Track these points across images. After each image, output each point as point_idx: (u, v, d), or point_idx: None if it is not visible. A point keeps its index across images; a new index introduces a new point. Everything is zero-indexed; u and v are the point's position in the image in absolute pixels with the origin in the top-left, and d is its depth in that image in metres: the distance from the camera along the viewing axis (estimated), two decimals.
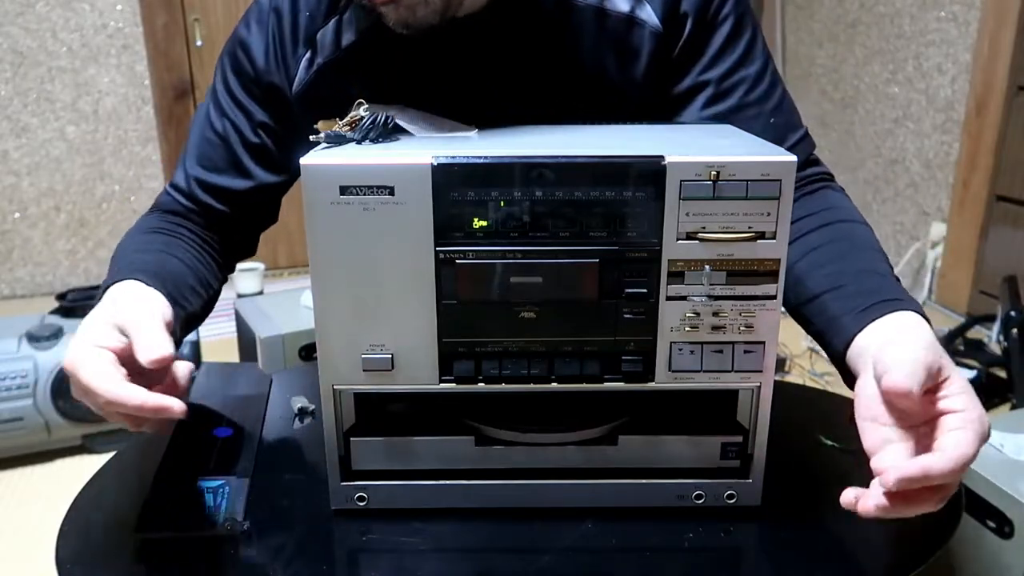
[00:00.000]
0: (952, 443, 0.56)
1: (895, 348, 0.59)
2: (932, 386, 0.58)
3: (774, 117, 0.79)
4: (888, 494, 0.55)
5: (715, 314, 0.63)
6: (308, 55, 0.79)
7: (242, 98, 0.84)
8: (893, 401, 0.58)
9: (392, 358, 0.64)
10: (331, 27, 0.78)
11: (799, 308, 0.72)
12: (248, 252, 0.93)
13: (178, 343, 0.70)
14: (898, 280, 0.69)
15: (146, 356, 0.62)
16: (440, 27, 0.71)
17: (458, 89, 0.78)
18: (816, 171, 0.80)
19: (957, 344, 2.09)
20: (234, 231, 0.90)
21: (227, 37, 0.86)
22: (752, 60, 0.79)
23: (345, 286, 0.62)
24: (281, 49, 0.80)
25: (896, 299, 0.65)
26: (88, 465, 1.67)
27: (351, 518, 0.68)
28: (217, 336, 2.26)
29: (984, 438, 0.57)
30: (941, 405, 0.58)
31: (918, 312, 0.64)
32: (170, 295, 0.72)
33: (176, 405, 0.62)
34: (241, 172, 0.86)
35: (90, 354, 0.63)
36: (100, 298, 0.70)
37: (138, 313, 0.66)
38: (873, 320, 0.64)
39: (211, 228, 0.88)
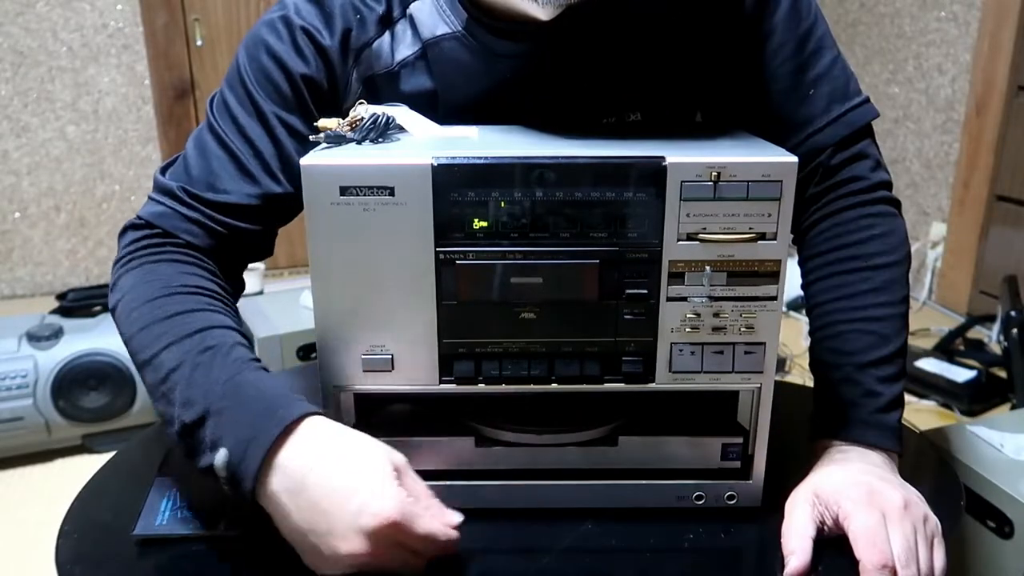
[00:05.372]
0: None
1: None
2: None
3: None
4: None
5: (716, 315, 0.63)
6: (360, 67, 0.75)
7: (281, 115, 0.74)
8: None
9: (392, 358, 0.64)
10: (386, 39, 0.76)
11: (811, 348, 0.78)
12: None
13: None
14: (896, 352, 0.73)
15: (454, 520, 0.60)
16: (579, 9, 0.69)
17: (528, 105, 0.77)
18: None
19: (957, 344, 2.09)
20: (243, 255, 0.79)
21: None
22: None
23: (345, 286, 0.62)
24: (328, 66, 0.75)
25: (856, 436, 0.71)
26: (88, 465, 1.67)
27: None
28: None
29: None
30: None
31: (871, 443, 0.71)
32: None
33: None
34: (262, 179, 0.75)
35: (413, 502, 0.58)
36: (288, 424, 0.60)
37: (403, 460, 0.61)
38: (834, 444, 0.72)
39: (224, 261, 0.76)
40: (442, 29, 0.75)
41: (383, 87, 0.76)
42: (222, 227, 0.73)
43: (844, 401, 0.72)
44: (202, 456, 0.61)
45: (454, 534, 0.60)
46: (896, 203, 0.79)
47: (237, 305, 0.75)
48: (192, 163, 0.74)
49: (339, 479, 0.58)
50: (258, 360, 0.65)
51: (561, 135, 0.71)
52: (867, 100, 0.79)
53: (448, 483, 0.68)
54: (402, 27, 0.76)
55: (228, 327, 0.67)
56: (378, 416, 0.70)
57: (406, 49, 0.76)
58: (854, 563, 0.61)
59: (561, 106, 0.77)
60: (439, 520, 0.59)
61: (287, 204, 0.76)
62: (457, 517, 0.61)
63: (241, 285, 0.80)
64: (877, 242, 0.76)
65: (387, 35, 0.76)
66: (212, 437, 0.61)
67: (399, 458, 0.61)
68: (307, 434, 0.60)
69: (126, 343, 0.68)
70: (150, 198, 0.75)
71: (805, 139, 0.77)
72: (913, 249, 2.76)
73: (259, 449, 0.59)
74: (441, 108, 0.76)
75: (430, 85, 0.76)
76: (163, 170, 0.76)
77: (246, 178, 0.73)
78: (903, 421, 0.73)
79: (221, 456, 0.60)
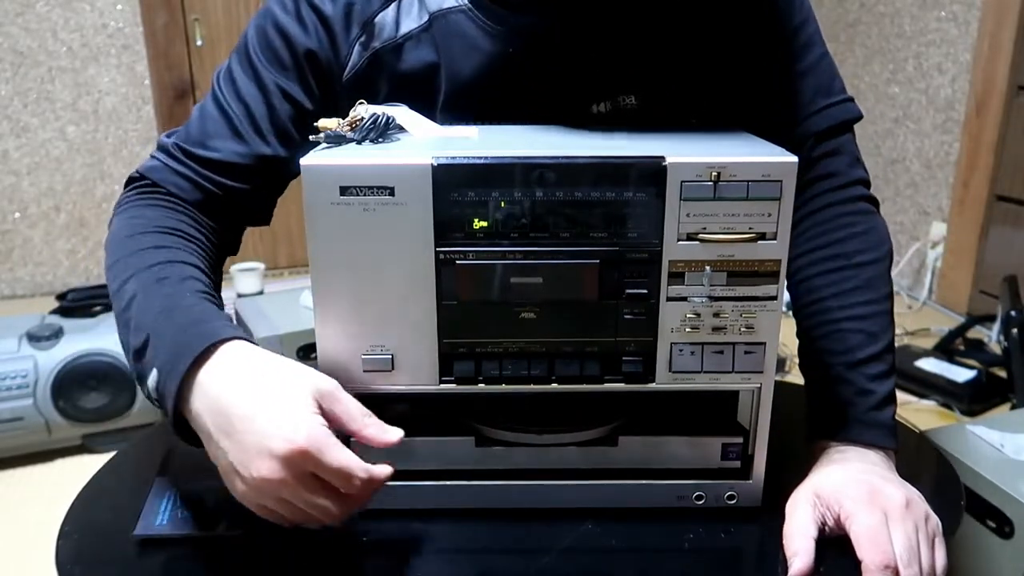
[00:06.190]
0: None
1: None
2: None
3: None
4: None
5: (716, 315, 0.63)
6: (363, 38, 0.78)
7: (282, 83, 0.78)
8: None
9: (392, 358, 0.64)
10: (391, 11, 0.77)
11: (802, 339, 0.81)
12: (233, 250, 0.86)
13: None
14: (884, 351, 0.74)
15: (394, 437, 0.60)
16: None
17: (529, 81, 0.77)
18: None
19: (957, 344, 2.09)
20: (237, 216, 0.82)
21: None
22: None
23: (345, 286, 0.62)
24: (330, 35, 0.78)
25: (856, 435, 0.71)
26: (88, 465, 1.67)
27: (351, 518, 0.68)
28: None
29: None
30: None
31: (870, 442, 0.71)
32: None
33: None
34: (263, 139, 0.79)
35: (326, 434, 0.57)
36: (206, 345, 0.61)
37: (331, 386, 0.60)
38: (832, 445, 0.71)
39: (214, 217, 0.80)
40: (449, 2, 0.76)
41: (387, 59, 0.77)
42: (210, 183, 0.77)
43: (838, 401, 0.72)
44: (146, 380, 0.63)
45: (378, 471, 0.58)
46: (874, 201, 0.80)
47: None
48: (191, 124, 0.79)
49: (254, 401, 0.58)
50: (211, 294, 0.69)
51: (561, 134, 0.71)
52: (851, 99, 0.81)
53: (448, 483, 0.68)
54: (410, 1, 0.77)
55: (188, 263, 0.70)
56: (378, 416, 0.70)
57: (412, 22, 0.77)
58: (856, 563, 0.61)
59: (561, 82, 0.77)
60: (377, 436, 0.60)
61: (276, 167, 0.79)
62: (396, 434, 0.60)
63: (234, 245, 0.84)
64: (858, 240, 0.76)
65: (392, 7, 0.77)
66: (150, 359, 0.63)
67: (326, 384, 0.60)
68: (229, 355, 0.61)
69: (106, 276, 0.73)
70: (150, 155, 0.80)
71: (788, 128, 0.78)
72: (913, 249, 2.75)
73: (181, 367, 0.60)
74: (444, 82, 0.77)
75: (433, 58, 0.77)
76: (168, 134, 0.80)
77: (236, 138, 0.77)
78: (898, 418, 0.73)
79: (152, 377, 0.62)
